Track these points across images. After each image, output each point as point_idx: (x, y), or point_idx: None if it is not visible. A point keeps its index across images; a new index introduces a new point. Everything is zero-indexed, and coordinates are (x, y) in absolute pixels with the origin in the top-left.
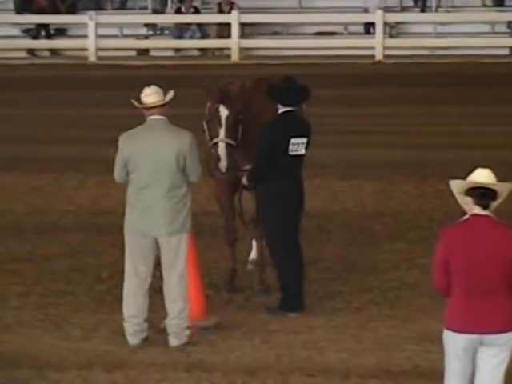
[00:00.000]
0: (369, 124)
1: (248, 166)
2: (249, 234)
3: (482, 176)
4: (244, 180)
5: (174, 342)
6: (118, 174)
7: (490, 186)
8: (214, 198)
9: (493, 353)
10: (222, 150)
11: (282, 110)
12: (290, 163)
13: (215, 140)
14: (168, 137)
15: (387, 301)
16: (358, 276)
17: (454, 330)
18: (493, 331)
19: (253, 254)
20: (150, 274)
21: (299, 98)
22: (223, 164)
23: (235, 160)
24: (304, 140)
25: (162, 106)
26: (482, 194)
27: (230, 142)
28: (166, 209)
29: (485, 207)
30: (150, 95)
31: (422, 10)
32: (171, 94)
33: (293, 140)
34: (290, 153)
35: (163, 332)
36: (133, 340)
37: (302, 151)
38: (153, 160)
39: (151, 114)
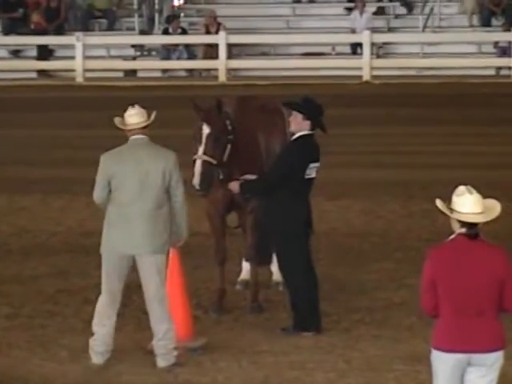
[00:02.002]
0: (356, 144)
1: (247, 176)
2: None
3: (471, 206)
4: (235, 186)
5: (161, 363)
6: (98, 194)
7: (478, 221)
8: (206, 217)
9: (481, 373)
10: (197, 167)
11: (302, 132)
12: (305, 186)
13: (194, 157)
14: (154, 154)
15: (375, 321)
16: (346, 296)
17: (443, 350)
18: (481, 350)
19: (242, 275)
20: (121, 294)
21: (323, 123)
22: (196, 181)
23: (212, 178)
24: (318, 164)
25: (145, 127)
26: (470, 225)
27: (208, 159)
28: (149, 227)
29: (474, 236)
30: (135, 115)
31: (409, 10)
32: (153, 115)
33: (311, 165)
34: (306, 176)
35: (151, 353)
36: (99, 359)
37: (314, 175)
38: (138, 177)
39: (133, 134)
